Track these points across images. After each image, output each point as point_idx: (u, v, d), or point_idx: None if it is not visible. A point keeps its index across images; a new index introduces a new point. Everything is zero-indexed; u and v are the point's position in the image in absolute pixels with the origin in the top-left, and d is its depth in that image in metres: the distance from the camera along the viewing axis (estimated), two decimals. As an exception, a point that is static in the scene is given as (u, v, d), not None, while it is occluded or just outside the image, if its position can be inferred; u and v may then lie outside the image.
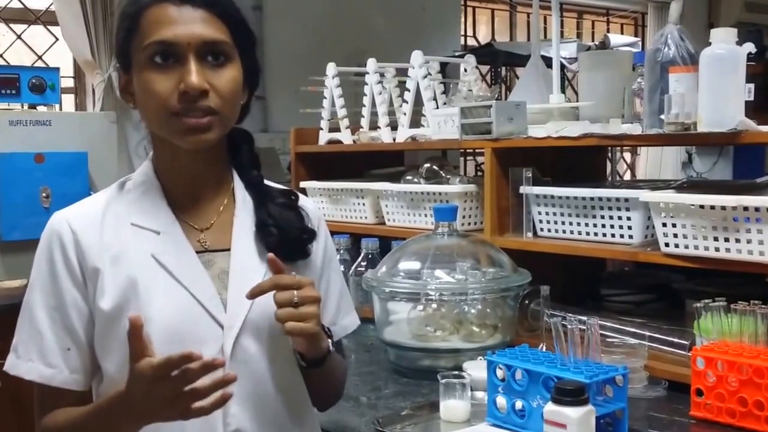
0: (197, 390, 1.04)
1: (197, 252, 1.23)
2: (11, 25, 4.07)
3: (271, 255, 1.20)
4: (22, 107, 3.35)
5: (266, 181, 1.35)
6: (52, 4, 3.99)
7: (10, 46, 4.06)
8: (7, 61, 3.99)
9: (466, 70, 2.63)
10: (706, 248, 1.65)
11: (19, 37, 4.08)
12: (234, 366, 1.19)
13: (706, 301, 1.60)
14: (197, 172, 1.26)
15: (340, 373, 1.39)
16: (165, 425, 1.15)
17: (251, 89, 1.29)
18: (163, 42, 1.16)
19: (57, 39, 4.10)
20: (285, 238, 1.27)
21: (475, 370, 1.62)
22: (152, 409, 1.06)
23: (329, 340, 1.27)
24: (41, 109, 3.37)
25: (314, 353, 1.24)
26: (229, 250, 1.26)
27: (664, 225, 1.71)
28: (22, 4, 4.11)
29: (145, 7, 1.19)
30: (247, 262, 1.25)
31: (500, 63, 5.23)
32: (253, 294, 1.18)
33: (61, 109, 3.73)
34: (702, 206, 1.63)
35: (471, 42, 5.93)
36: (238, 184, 1.32)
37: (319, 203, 2.66)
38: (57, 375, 1.20)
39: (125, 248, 1.21)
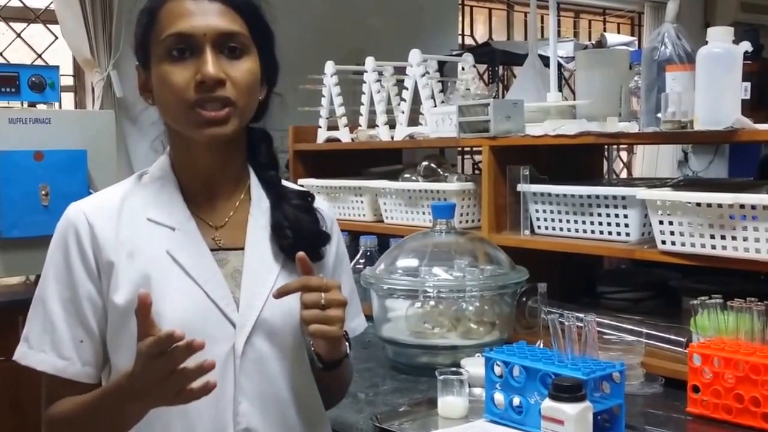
0: (186, 371, 1.03)
1: (211, 250, 1.23)
2: (11, 24, 4.07)
3: (301, 254, 1.19)
4: (22, 105, 3.36)
5: (283, 182, 1.35)
6: (51, 2, 3.98)
7: (10, 44, 4.06)
8: (6, 60, 3.99)
9: (463, 69, 2.63)
10: (703, 246, 1.66)
11: (18, 35, 4.08)
12: (245, 365, 1.20)
13: (703, 298, 1.61)
14: (214, 168, 1.26)
15: (349, 375, 1.41)
16: (176, 423, 1.16)
17: (270, 86, 1.29)
18: (179, 34, 1.17)
19: (56, 37, 4.09)
20: (299, 240, 1.26)
21: (473, 366, 1.63)
22: (150, 386, 1.05)
23: (347, 344, 1.27)
24: (41, 107, 3.38)
25: (333, 356, 1.24)
26: (242, 249, 1.25)
27: (661, 223, 1.72)
28: (22, 2, 4.10)
29: (163, 2, 1.20)
30: (261, 262, 1.25)
31: (498, 62, 5.23)
32: (281, 293, 1.17)
33: (60, 107, 3.73)
34: (699, 204, 1.64)
35: (468, 41, 5.94)
36: (255, 183, 1.31)
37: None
38: (69, 367, 1.20)
39: (140, 243, 1.21)
